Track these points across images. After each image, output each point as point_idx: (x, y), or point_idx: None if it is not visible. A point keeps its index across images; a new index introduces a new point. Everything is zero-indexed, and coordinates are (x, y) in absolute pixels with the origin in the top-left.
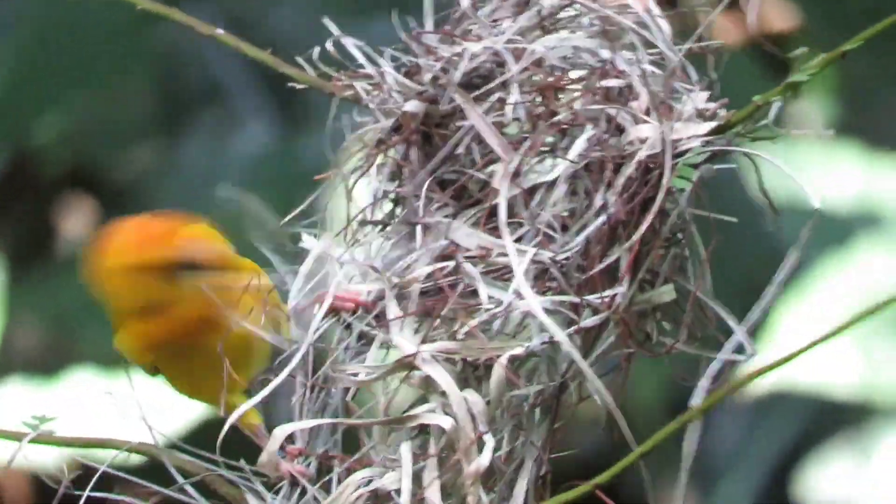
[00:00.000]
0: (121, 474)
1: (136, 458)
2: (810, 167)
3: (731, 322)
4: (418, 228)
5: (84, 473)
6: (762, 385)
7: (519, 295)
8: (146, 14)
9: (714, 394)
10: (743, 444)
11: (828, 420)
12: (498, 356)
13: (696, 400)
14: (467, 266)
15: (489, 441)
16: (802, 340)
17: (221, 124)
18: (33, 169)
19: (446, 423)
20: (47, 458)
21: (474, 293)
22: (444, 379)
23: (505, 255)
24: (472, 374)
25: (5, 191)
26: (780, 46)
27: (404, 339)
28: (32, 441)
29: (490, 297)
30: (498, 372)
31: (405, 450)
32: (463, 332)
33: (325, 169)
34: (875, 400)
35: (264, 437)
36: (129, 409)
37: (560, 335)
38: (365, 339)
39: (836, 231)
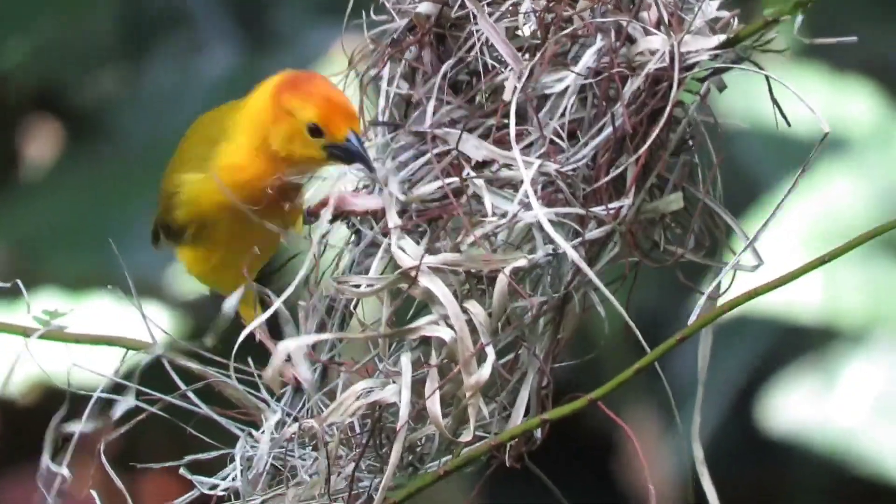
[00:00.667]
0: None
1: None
2: (779, 89)
3: (739, 230)
4: (428, 136)
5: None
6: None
7: (525, 206)
8: None
9: (721, 307)
10: (707, 369)
11: (791, 344)
12: (502, 268)
13: (701, 309)
14: (473, 177)
15: (490, 353)
16: (771, 262)
17: (186, 46)
18: None
19: (446, 334)
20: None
21: (480, 204)
22: (442, 292)
23: (512, 166)
24: (475, 285)
25: None
26: None
27: (405, 251)
28: (42, 337)
29: (495, 208)
30: (501, 283)
31: (405, 361)
32: (467, 244)
33: None
34: (838, 324)
35: (266, 338)
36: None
37: (566, 246)
38: (373, 246)
39: (800, 154)
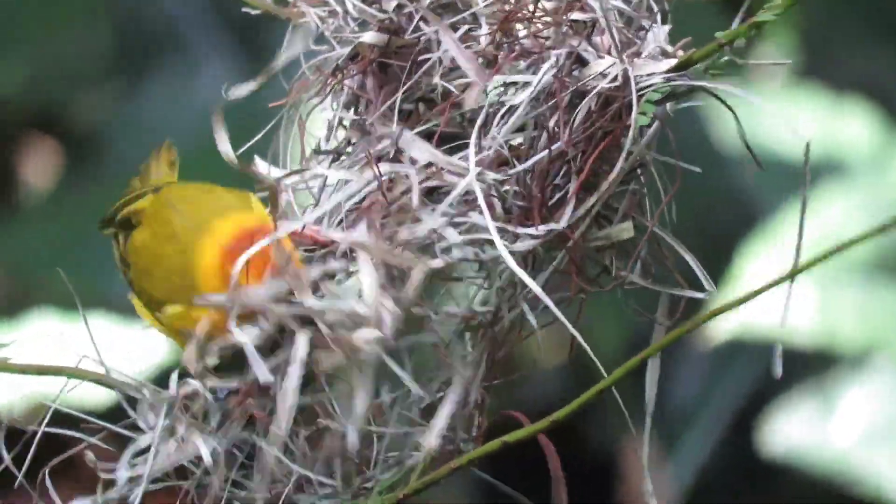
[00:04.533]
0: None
1: (92, 402)
2: (773, 112)
3: (688, 257)
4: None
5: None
6: (723, 332)
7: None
8: None
9: (677, 330)
10: (704, 393)
11: (789, 368)
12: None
13: (657, 336)
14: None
15: (387, 317)
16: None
17: (182, 67)
18: None
19: (361, 308)
20: (6, 406)
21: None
22: (368, 269)
23: (453, 172)
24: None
25: None
26: None
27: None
28: (83, 378)
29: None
30: (415, 276)
31: (301, 340)
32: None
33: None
34: (836, 348)
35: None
36: (89, 350)
37: (503, 251)
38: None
39: (798, 177)
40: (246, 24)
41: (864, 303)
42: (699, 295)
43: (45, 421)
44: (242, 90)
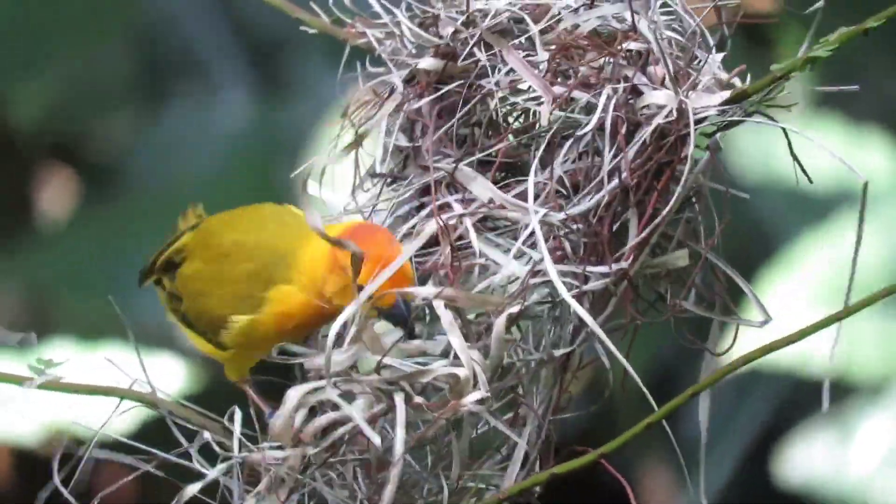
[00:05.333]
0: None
1: (124, 427)
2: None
3: (744, 285)
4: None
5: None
6: (741, 361)
7: (523, 255)
8: None
9: (729, 365)
10: (722, 421)
11: (806, 398)
12: (499, 312)
13: (706, 365)
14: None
15: (482, 383)
16: (786, 316)
17: (201, 93)
18: (11, 140)
19: (461, 372)
20: (27, 431)
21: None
22: (455, 333)
23: (515, 210)
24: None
25: None
26: (761, 25)
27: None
28: (40, 386)
29: (486, 256)
30: (499, 326)
31: (399, 401)
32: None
33: (305, 138)
34: (854, 376)
35: (257, 397)
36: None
37: (566, 295)
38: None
39: (816, 207)
40: (265, 50)
41: (882, 331)
42: (754, 324)
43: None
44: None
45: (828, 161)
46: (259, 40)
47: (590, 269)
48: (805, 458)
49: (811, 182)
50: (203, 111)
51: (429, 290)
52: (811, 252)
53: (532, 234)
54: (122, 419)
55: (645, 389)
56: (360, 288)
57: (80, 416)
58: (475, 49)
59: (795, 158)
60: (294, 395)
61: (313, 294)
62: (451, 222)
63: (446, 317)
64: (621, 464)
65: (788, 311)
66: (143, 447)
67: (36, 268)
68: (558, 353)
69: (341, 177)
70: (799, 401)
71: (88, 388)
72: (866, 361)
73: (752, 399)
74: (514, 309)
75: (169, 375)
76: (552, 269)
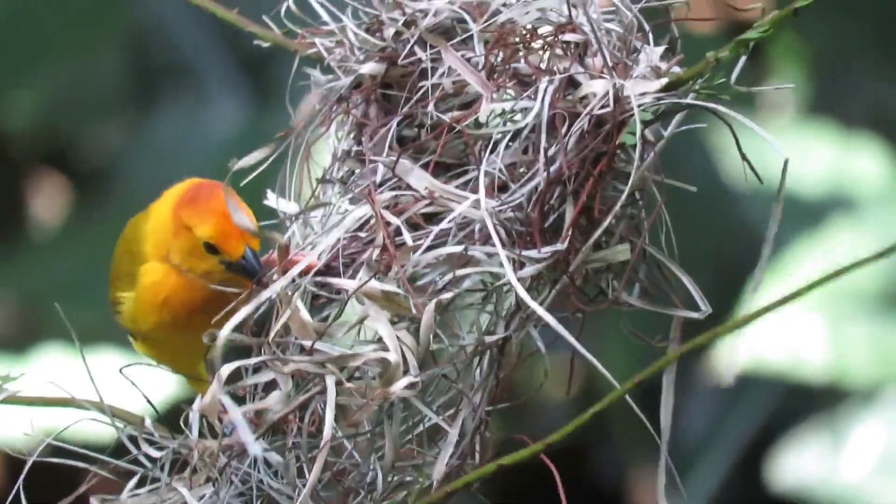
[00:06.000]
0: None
1: (100, 439)
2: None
3: (683, 277)
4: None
5: (54, 449)
6: (733, 366)
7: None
8: None
9: (681, 347)
10: (715, 426)
11: (798, 403)
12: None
13: (671, 347)
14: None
15: (413, 369)
16: (775, 320)
17: (192, 100)
18: (4, 148)
19: (392, 357)
20: (14, 433)
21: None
22: (382, 319)
23: (452, 200)
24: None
25: None
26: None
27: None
28: (89, 408)
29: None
30: (428, 314)
31: (329, 382)
32: (392, 276)
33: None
34: (846, 381)
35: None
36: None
37: (513, 279)
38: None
39: (808, 212)
40: (255, 57)
41: (874, 337)
42: (694, 315)
43: (38, 452)
44: (251, 159)
45: (821, 166)
46: (249, 48)
47: (524, 253)
48: (797, 463)
49: (761, 182)
50: (194, 118)
51: (348, 282)
52: (803, 257)
53: (465, 224)
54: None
55: (600, 367)
56: (210, 246)
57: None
58: (417, 50)
59: (744, 158)
60: (223, 374)
61: (164, 262)
62: (385, 208)
63: (370, 306)
64: (611, 468)
65: (780, 315)
66: (94, 454)
67: (27, 274)
68: (490, 339)
69: (297, 184)
70: (791, 406)
71: (42, 400)
72: (859, 367)
73: (744, 404)
74: (446, 295)
75: (163, 381)
76: (502, 252)
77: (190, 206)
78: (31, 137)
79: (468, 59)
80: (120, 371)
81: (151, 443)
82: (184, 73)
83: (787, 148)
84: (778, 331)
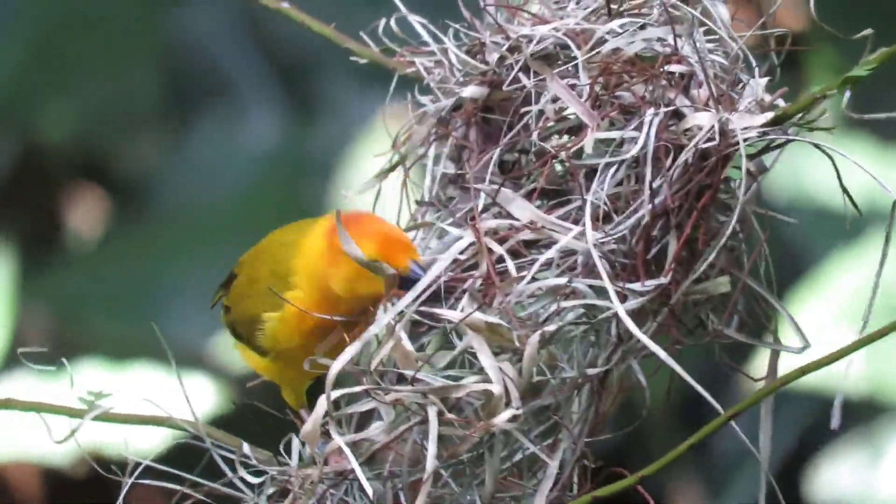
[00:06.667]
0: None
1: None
2: (822, 162)
3: (784, 313)
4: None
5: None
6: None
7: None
8: (154, 4)
9: (775, 382)
10: (752, 440)
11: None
12: (533, 330)
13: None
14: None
15: (514, 399)
16: (818, 336)
17: (230, 114)
18: (42, 161)
19: (495, 389)
20: (56, 453)
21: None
22: (484, 350)
23: (555, 230)
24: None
25: (15, 183)
26: (792, 44)
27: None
28: (95, 418)
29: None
30: (531, 345)
31: (432, 415)
32: (496, 306)
33: (334, 159)
34: (884, 396)
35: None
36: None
37: (621, 311)
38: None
39: (844, 226)
40: (293, 71)
41: None
42: (793, 349)
43: (136, 473)
44: (365, 187)
45: (858, 180)
46: (287, 61)
47: (628, 286)
48: (835, 477)
49: (860, 214)
50: (232, 132)
51: (452, 313)
52: (841, 272)
53: (568, 254)
54: (150, 438)
55: (705, 392)
56: (375, 266)
57: (106, 437)
58: (521, 75)
59: (845, 190)
60: (324, 400)
61: (318, 292)
62: (488, 238)
63: (473, 337)
64: (651, 482)
65: (819, 331)
66: (188, 476)
67: (65, 288)
68: (593, 371)
69: (389, 204)
70: (828, 421)
71: (139, 418)
72: (895, 381)
73: (780, 419)
74: (550, 328)
75: (199, 396)
76: (610, 285)
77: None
78: (69, 151)
79: (572, 87)
80: (246, 386)
81: (247, 466)
82: (221, 86)
83: (824, 161)
84: (815, 345)
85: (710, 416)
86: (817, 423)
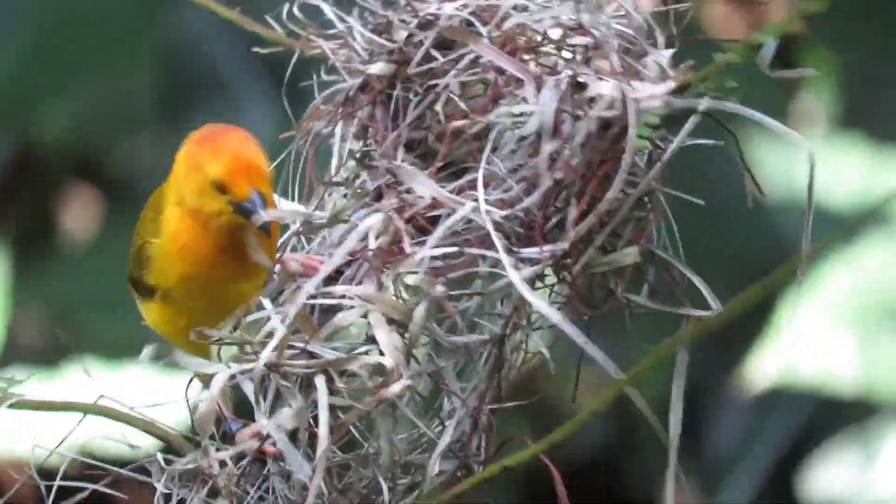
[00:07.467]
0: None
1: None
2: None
3: (694, 278)
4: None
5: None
6: (764, 380)
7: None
8: (151, 4)
9: (699, 324)
10: (746, 442)
11: (830, 417)
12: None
13: (680, 361)
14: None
15: (403, 370)
16: (807, 335)
17: (224, 113)
18: (37, 160)
19: (388, 362)
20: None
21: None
22: (380, 322)
23: (452, 203)
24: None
25: (9, 183)
26: (786, 40)
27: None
28: (97, 413)
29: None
30: (419, 312)
31: (320, 384)
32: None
33: (328, 156)
34: (877, 397)
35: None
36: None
37: (514, 276)
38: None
39: (839, 226)
40: (286, 69)
41: None
42: (703, 313)
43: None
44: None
45: (851, 180)
46: (279, 59)
47: (524, 251)
48: (829, 476)
49: (762, 194)
50: None
51: (350, 288)
52: (834, 272)
53: (469, 226)
54: (148, 438)
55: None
56: (220, 186)
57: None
58: (432, 51)
59: (747, 169)
60: (220, 379)
61: (181, 208)
62: (391, 213)
63: (372, 311)
64: (644, 480)
65: (811, 330)
66: (100, 464)
67: (59, 288)
68: (479, 338)
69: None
70: (822, 420)
71: (47, 404)
72: (890, 381)
73: (775, 418)
74: (437, 292)
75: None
76: (503, 253)
77: (202, 144)
78: (64, 150)
79: (481, 62)
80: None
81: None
82: (216, 86)
83: (818, 161)
84: (809, 345)
85: (705, 412)
86: (812, 424)
